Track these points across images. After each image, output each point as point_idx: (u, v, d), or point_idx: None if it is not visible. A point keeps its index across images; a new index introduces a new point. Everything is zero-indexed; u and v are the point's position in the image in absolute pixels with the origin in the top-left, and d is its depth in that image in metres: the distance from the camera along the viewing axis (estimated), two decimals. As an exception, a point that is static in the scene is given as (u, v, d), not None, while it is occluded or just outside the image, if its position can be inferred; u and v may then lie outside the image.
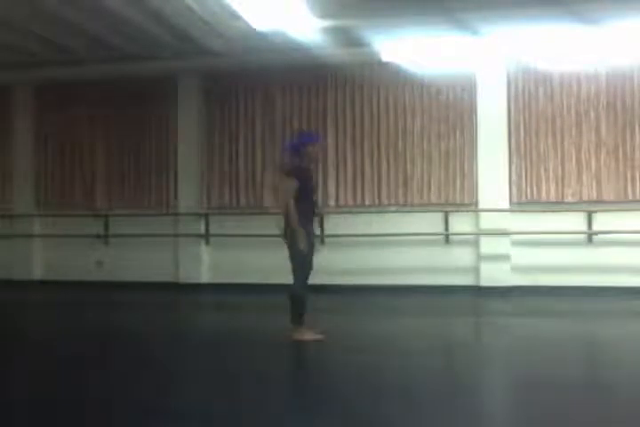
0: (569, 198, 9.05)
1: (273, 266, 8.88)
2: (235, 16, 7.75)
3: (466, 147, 9.38)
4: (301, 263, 5.74)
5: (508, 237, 9.17)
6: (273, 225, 6.25)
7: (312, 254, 5.81)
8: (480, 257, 9.23)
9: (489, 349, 5.86)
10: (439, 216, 9.34)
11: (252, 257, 9.71)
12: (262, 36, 8.37)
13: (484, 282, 9.16)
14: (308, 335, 5.77)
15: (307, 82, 9.79)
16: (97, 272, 10.29)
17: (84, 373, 4.84)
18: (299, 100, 9.82)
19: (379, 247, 9.44)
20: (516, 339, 6.10)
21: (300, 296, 5.77)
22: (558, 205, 9.08)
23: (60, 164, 10.66)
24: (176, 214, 10.18)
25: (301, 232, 5.64)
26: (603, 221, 8.89)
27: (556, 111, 9.13)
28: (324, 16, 7.80)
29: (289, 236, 5.74)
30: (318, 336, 5.79)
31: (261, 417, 3.74)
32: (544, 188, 9.13)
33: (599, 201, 8.96)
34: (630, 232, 8.77)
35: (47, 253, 10.63)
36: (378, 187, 9.56)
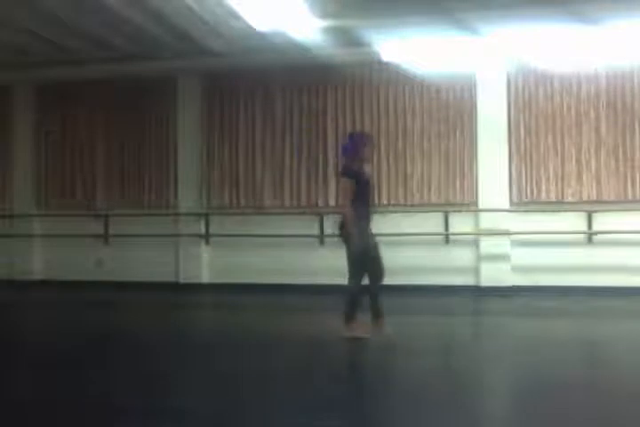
0: (569, 198, 9.05)
1: (273, 266, 8.92)
2: (235, 16, 7.75)
3: (466, 147, 9.38)
4: (356, 263, 5.77)
5: (507, 237, 9.17)
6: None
7: (376, 253, 5.87)
8: (480, 257, 9.24)
9: (489, 349, 5.85)
10: (439, 216, 9.34)
11: (252, 257, 9.69)
12: (262, 36, 8.38)
13: (484, 282, 9.16)
14: (357, 332, 5.78)
15: (307, 82, 9.79)
16: (97, 272, 10.29)
17: (84, 372, 4.84)
18: (299, 100, 9.82)
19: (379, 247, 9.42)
20: (517, 339, 6.11)
21: (352, 296, 5.80)
22: (558, 205, 9.09)
23: (60, 164, 10.65)
24: (176, 214, 10.18)
25: (356, 233, 5.65)
26: (603, 221, 8.89)
27: (556, 111, 9.13)
28: (323, 16, 7.80)
29: (345, 236, 5.77)
30: (365, 334, 5.79)
31: (262, 417, 3.74)
32: (544, 188, 9.13)
33: (599, 201, 8.96)
34: (630, 232, 8.77)
35: (47, 253, 10.62)
36: (378, 187, 9.54)
